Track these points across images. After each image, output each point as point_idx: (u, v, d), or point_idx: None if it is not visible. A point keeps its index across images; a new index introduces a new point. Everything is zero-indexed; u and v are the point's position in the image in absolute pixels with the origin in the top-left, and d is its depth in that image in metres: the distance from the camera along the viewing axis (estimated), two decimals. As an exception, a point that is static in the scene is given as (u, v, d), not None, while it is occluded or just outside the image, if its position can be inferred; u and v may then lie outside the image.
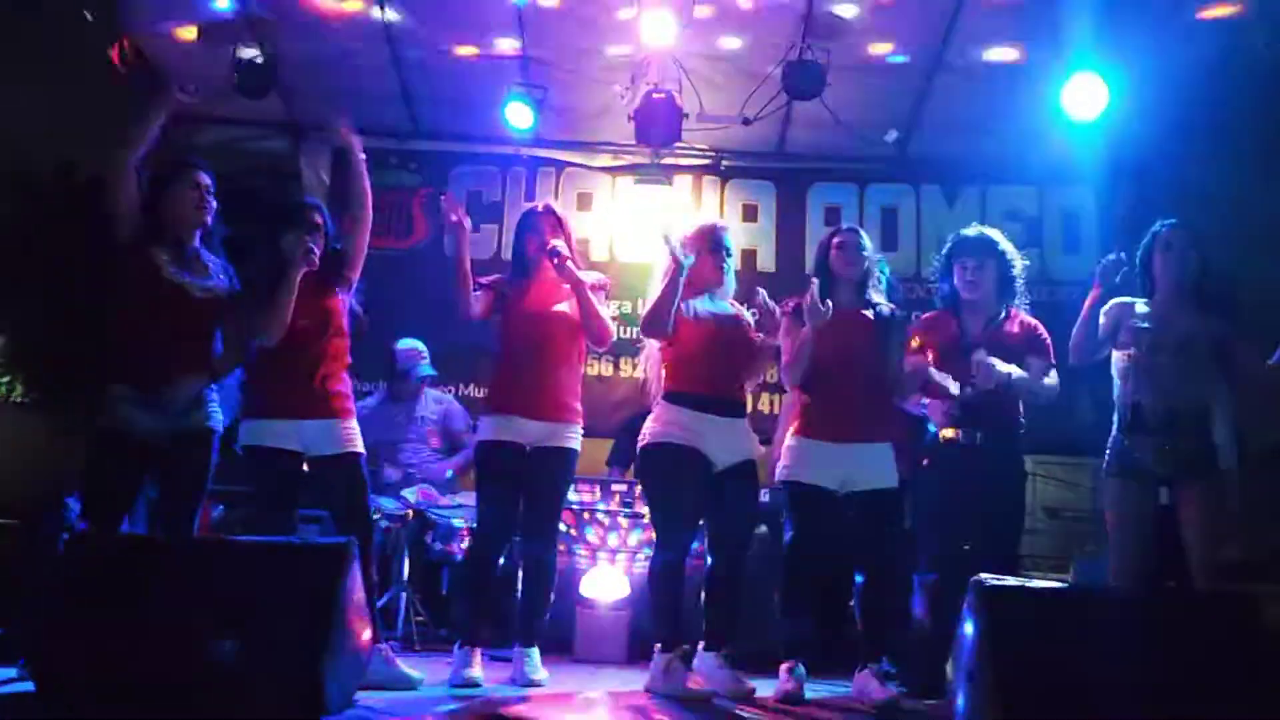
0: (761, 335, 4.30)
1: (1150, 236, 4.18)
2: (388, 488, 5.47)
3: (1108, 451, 4.11)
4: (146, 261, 3.87)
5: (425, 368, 5.75)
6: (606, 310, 4.44)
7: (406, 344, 5.73)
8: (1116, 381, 4.15)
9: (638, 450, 4.25)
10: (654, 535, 4.27)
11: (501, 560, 4.30)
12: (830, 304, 4.08)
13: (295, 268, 4.01)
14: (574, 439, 4.35)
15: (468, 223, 4.37)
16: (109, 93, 6.05)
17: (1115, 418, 4.11)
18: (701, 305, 4.26)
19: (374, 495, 5.24)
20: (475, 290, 4.34)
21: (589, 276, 4.42)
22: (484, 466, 4.32)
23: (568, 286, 4.35)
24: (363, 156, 4.38)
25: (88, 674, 3.05)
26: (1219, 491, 3.93)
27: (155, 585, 3.23)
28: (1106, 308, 4.15)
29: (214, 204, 4.01)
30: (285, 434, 4.05)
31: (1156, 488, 3.96)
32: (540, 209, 4.56)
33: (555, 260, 4.31)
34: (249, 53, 6.05)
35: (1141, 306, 4.12)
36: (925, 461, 4.44)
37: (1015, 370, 4.17)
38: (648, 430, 4.20)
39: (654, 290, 4.22)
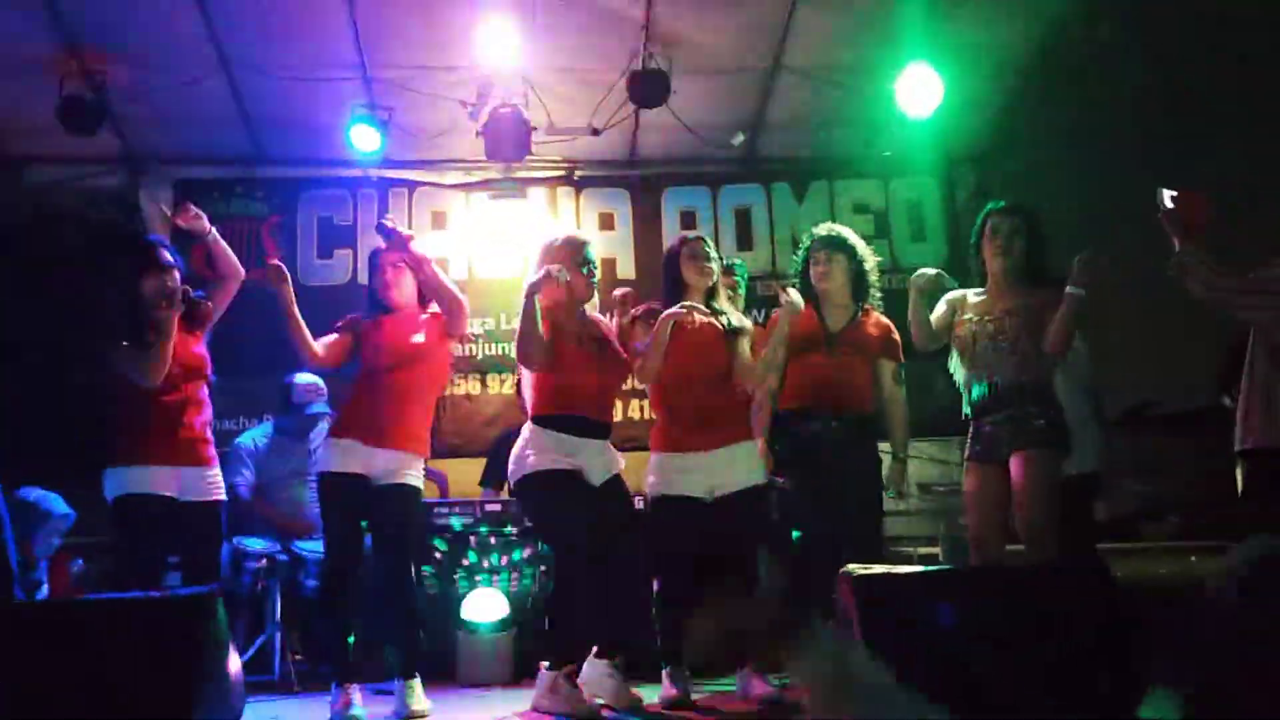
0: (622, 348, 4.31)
1: (979, 222, 4.29)
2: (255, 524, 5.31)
3: (967, 439, 4.22)
4: None
5: (321, 405, 5.55)
6: (453, 284, 4.37)
7: (304, 379, 5.50)
8: (956, 372, 4.27)
9: (514, 481, 4.17)
10: (544, 557, 4.22)
11: (351, 594, 4.18)
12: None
13: (169, 310, 4.00)
14: (418, 476, 4.27)
15: (280, 271, 4.22)
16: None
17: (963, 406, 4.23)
18: (574, 328, 4.22)
19: (240, 537, 5.14)
20: (328, 335, 4.27)
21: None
22: (328, 498, 4.21)
23: (407, 267, 4.27)
24: (221, 245, 4.34)
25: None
26: (1043, 459, 3.95)
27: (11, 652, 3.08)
28: (946, 298, 4.28)
29: None
30: (162, 481, 4.01)
31: (1006, 467, 4.02)
32: (384, 247, 4.40)
33: (390, 238, 4.20)
34: (75, 87, 5.82)
35: (973, 296, 4.23)
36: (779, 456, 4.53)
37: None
38: (522, 459, 4.10)
39: (519, 319, 4.14)
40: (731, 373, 4.29)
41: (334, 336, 4.30)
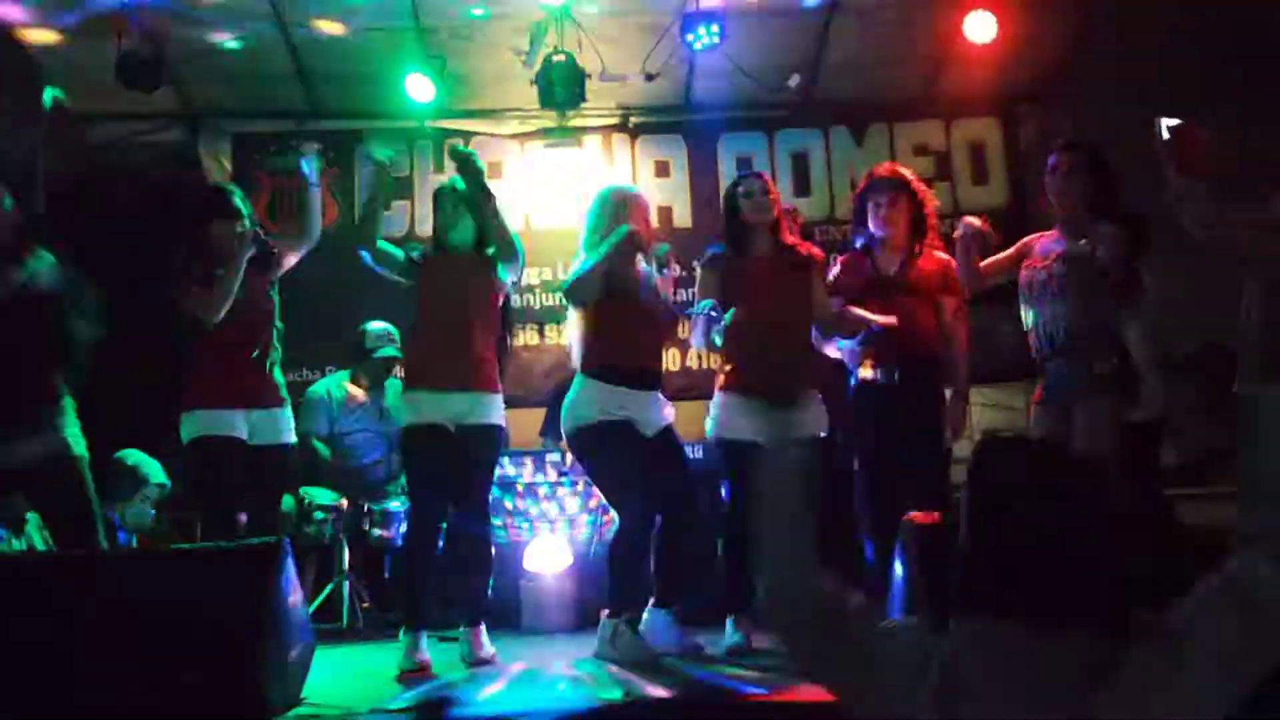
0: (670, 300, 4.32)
1: (1047, 161, 4.19)
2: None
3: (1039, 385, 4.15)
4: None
5: (393, 349, 5.57)
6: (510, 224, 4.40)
7: (376, 326, 5.56)
8: (1024, 313, 4.19)
9: (566, 434, 4.20)
10: (606, 506, 4.25)
11: (439, 541, 4.24)
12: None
13: (241, 250, 4.12)
14: (497, 413, 4.27)
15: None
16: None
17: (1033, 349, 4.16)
18: (629, 280, 4.21)
19: (307, 488, 5.23)
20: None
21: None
22: (410, 452, 4.27)
23: (476, 197, 4.26)
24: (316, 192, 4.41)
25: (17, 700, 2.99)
26: (1102, 405, 3.90)
27: (78, 603, 3.16)
28: (1021, 242, 4.21)
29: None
30: (234, 423, 4.12)
31: (1068, 411, 3.96)
32: (449, 186, 4.43)
33: (464, 164, 4.19)
34: (133, 44, 5.86)
35: (1042, 241, 4.15)
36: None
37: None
38: (574, 411, 4.13)
39: (595, 256, 4.13)
40: (804, 308, 4.25)
41: (395, 248, 4.34)
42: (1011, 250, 4.21)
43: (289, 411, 4.36)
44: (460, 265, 4.32)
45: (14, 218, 4.01)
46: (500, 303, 4.40)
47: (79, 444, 3.98)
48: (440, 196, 4.43)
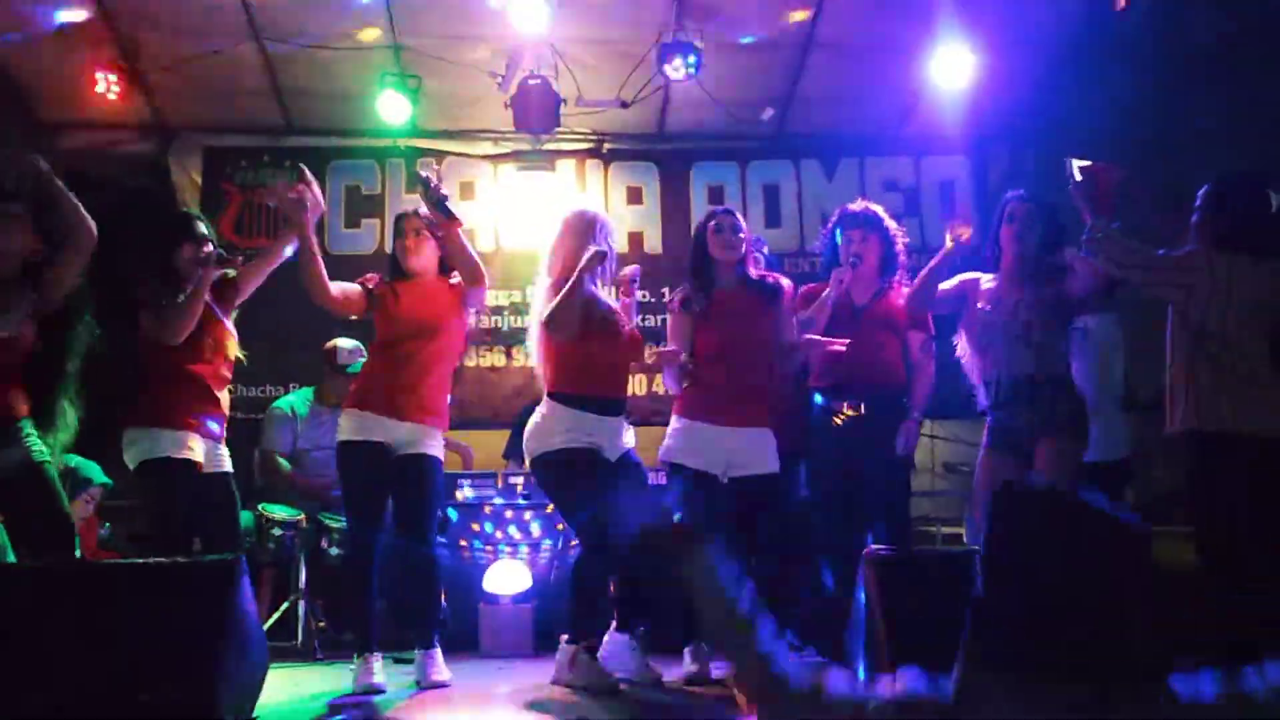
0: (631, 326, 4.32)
1: (1000, 207, 4.20)
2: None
3: (985, 428, 4.14)
4: None
5: (358, 364, 5.55)
6: (474, 249, 4.34)
7: (347, 343, 5.48)
8: (965, 357, 4.19)
9: (532, 457, 4.17)
10: (569, 531, 4.22)
11: (377, 563, 4.20)
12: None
13: (205, 274, 4.12)
14: (438, 448, 4.27)
15: (313, 194, 4.19)
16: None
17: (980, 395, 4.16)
18: (599, 299, 4.21)
19: (265, 504, 5.19)
20: (347, 284, 4.26)
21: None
22: (347, 466, 4.21)
23: (439, 233, 4.21)
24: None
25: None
26: (1069, 446, 3.91)
27: (39, 614, 3.13)
28: (959, 276, 4.22)
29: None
30: (190, 447, 4.10)
31: (1028, 456, 3.93)
32: (409, 211, 4.42)
33: (427, 187, 4.09)
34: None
35: (986, 281, 4.16)
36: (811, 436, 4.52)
37: None
38: (541, 436, 4.11)
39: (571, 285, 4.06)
40: (767, 340, 4.27)
41: (352, 286, 4.28)
42: (952, 286, 4.22)
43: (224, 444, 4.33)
44: (422, 293, 4.29)
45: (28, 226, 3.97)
46: (463, 331, 4.39)
47: (43, 452, 3.93)
48: (402, 220, 4.40)
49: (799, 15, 6.12)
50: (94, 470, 5.19)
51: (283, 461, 5.47)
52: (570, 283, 4.01)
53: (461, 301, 4.33)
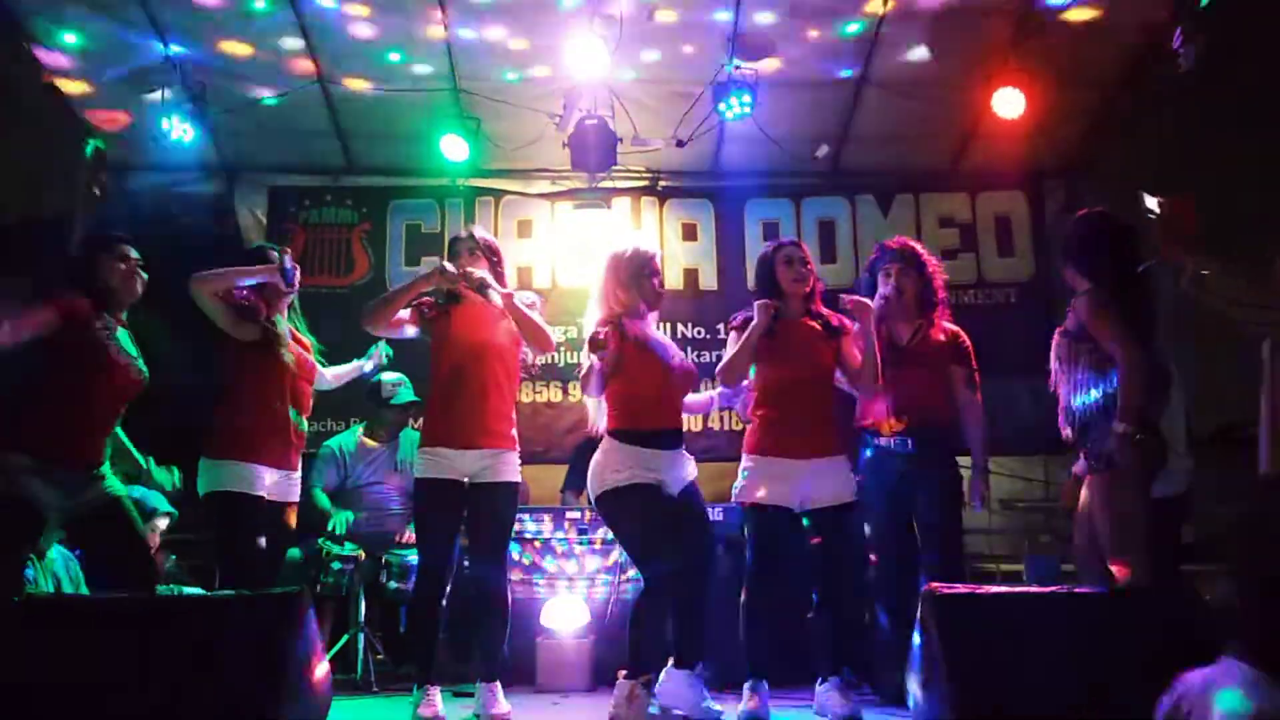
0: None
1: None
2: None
3: None
4: (92, 335, 3.95)
5: (408, 392, 5.65)
6: (542, 318, 4.34)
7: (391, 376, 5.58)
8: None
9: (595, 495, 4.19)
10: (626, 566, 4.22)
11: (446, 597, 4.24)
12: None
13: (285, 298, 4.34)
14: (512, 470, 4.28)
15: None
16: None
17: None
18: (649, 335, 4.25)
19: (325, 539, 5.26)
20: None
21: (521, 297, 4.36)
22: (423, 504, 4.26)
23: (500, 308, 4.28)
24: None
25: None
26: (1101, 484, 3.81)
27: (101, 646, 3.19)
28: None
29: (144, 277, 4.13)
30: (263, 480, 4.16)
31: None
32: (464, 235, 4.47)
33: (469, 283, 4.19)
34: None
35: None
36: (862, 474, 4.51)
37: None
38: (603, 473, 4.13)
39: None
40: (832, 376, 4.28)
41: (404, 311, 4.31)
42: None
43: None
44: (475, 314, 4.31)
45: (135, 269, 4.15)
46: (521, 354, 4.42)
47: (119, 487, 4.04)
48: (456, 243, 4.45)
49: (853, 54, 6.17)
50: (159, 500, 5.27)
51: (322, 498, 5.55)
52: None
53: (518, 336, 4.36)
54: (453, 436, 4.18)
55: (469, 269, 4.23)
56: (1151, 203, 3.55)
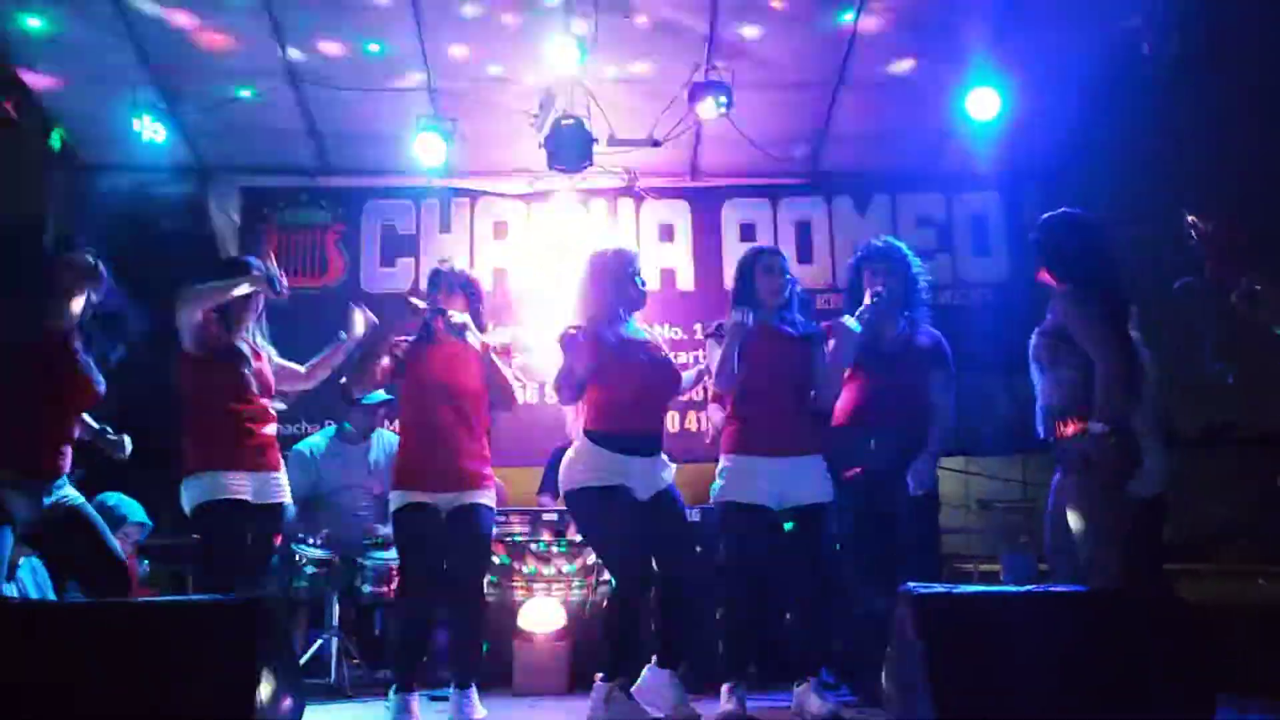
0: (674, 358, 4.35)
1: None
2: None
3: None
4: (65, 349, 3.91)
5: (377, 394, 5.55)
6: (510, 372, 4.39)
7: None
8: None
9: (563, 492, 4.21)
10: (600, 567, 4.23)
11: (433, 610, 4.23)
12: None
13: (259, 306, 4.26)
14: (488, 494, 4.31)
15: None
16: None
17: None
18: (626, 336, 4.24)
19: (298, 544, 5.20)
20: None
21: (494, 338, 4.38)
22: (401, 531, 4.26)
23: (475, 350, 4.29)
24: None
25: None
26: (1066, 484, 3.77)
27: (74, 653, 3.14)
28: None
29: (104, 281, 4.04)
30: (240, 486, 4.10)
31: None
32: (445, 270, 4.48)
33: (448, 326, 4.21)
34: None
35: None
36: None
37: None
38: (570, 472, 4.14)
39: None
40: (808, 381, 4.28)
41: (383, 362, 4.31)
42: None
43: (283, 472, 4.33)
44: (453, 358, 4.30)
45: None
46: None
47: (77, 495, 3.99)
48: (438, 277, 4.45)
49: (830, 55, 6.16)
50: (133, 509, 5.20)
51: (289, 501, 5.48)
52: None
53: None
54: (429, 481, 4.20)
55: (450, 312, 4.24)
56: (1194, 223, 3.54)
